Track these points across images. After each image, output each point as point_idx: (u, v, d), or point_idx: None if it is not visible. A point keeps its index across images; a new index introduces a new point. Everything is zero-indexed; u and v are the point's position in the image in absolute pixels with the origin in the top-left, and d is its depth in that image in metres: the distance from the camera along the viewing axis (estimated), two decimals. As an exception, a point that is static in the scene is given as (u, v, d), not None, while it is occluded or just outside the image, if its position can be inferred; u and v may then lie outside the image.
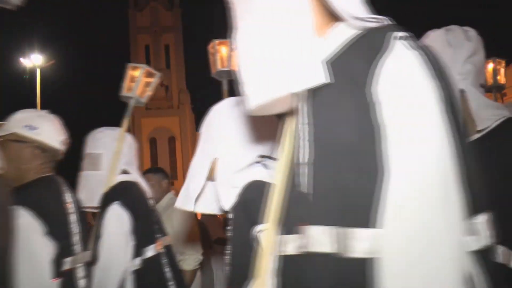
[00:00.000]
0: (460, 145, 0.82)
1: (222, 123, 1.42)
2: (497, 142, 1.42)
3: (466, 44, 1.50)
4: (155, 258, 2.27)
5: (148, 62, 44.39)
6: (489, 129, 1.44)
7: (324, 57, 0.91)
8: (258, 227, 1.10)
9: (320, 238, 0.85)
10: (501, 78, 3.63)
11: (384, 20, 0.93)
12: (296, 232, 0.90)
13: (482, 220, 0.85)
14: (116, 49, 60.58)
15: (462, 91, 1.46)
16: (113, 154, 2.40)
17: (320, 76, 0.87)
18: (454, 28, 1.54)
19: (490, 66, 3.66)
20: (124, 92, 2.98)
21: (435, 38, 1.55)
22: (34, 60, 19.69)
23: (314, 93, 0.90)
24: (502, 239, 1.28)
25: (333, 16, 0.98)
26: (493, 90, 3.59)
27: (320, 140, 0.90)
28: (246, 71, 0.92)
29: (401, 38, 0.87)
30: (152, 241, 2.29)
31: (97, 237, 2.18)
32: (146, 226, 2.29)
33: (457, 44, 1.50)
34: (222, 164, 1.39)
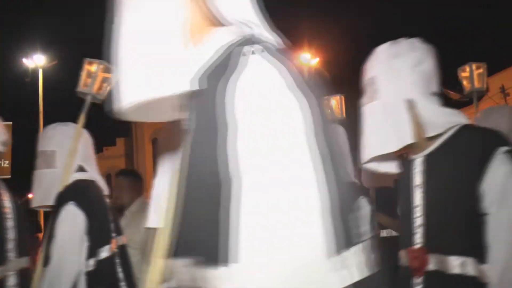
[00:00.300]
0: (329, 173, 0.75)
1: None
2: (451, 150, 1.43)
3: (411, 54, 1.52)
4: (109, 258, 2.21)
5: (150, 63, 44.38)
6: (445, 137, 1.47)
7: (198, 66, 0.87)
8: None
9: (182, 273, 0.82)
10: (481, 83, 3.54)
11: (257, 27, 0.91)
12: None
13: (354, 251, 0.76)
14: (119, 50, 60.47)
15: (410, 100, 1.47)
16: (67, 151, 2.32)
17: (189, 85, 0.84)
18: (400, 40, 1.58)
19: (466, 71, 3.56)
20: (80, 88, 2.87)
21: (381, 51, 1.58)
22: (36, 61, 19.70)
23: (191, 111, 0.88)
24: (471, 252, 1.30)
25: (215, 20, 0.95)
26: (473, 94, 3.51)
27: (187, 168, 0.86)
28: (123, 69, 0.88)
29: (254, 52, 0.83)
30: (107, 241, 2.23)
31: (50, 238, 2.10)
32: (101, 227, 2.23)
33: (402, 55, 1.53)
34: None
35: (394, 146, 1.47)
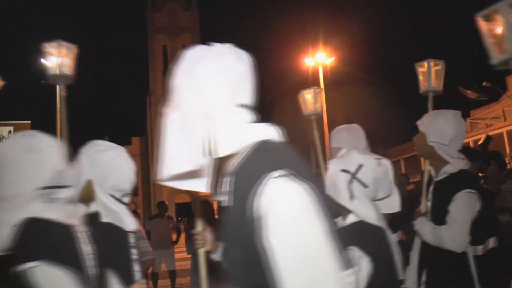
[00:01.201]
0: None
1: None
2: (240, 173, 1.24)
3: (216, 61, 1.33)
4: None
5: (165, 62, 44.71)
6: (240, 158, 1.25)
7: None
8: None
9: None
10: (438, 82, 3.35)
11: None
12: None
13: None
14: (134, 49, 61.01)
15: (208, 114, 1.30)
16: None
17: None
18: (212, 44, 1.39)
19: (424, 67, 3.36)
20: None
21: (187, 55, 1.38)
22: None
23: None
24: None
25: None
26: (429, 93, 3.29)
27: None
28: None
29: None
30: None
31: None
32: None
33: (206, 61, 1.34)
34: None
35: (187, 166, 1.30)
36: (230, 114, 1.30)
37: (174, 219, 12.69)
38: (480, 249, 2.59)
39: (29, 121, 21.47)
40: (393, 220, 2.86)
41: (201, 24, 45.73)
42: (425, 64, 3.35)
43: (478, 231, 2.49)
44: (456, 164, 2.59)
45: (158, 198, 33.03)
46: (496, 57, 1.79)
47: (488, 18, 1.83)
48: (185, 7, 45.28)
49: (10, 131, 19.53)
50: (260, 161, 1.19)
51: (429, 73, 3.32)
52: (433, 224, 2.56)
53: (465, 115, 12.73)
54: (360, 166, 1.88)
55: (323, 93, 3.67)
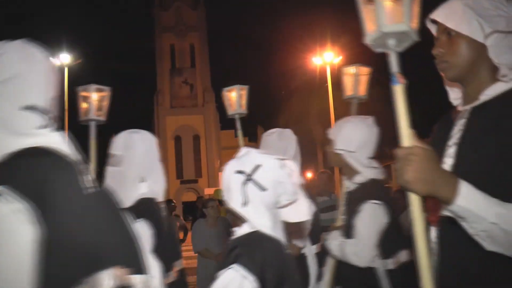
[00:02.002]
0: None
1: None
2: None
3: None
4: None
5: (173, 61, 44.84)
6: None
7: None
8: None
9: None
10: (364, 89, 3.19)
11: None
12: None
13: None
14: (142, 48, 61.21)
15: None
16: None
17: None
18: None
19: (349, 74, 3.20)
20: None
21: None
22: (62, 59, 20.09)
23: None
24: None
25: None
26: (353, 100, 3.16)
27: None
28: None
29: None
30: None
31: None
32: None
33: None
34: None
35: None
36: (9, 116, 1.18)
37: (181, 217, 12.73)
38: (390, 263, 2.36)
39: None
40: (313, 231, 2.74)
41: (208, 23, 45.82)
42: (353, 69, 3.21)
43: (387, 244, 2.33)
44: (365, 173, 2.44)
45: (165, 197, 33.03)
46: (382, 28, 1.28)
47: None
48: (193, 6, 45.34)
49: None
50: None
51: (356, 79, 3.19)
52: (344, 238, 2.41)
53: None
54: (257, 167, 1.63)
55: (245, 92, 3.46)
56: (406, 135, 1.24)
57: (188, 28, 44.31)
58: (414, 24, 1.28)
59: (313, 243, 2.80)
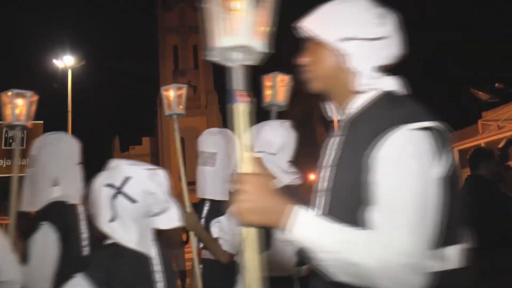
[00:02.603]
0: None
1: None
2: None
3: None
4: None
5: (176, 63, 44.89)
6: None
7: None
8: None
9: None
10: (284, 96, 3.14)
11: None
12: None
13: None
14: (145, 49, 61.35)
15: None
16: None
17: None
18: None
19: (270, 81, 3.14)
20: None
21: None
22: (66, 61, 20.14)
23: None
24: None
25: None
26: (273, 107, 3.11)
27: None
28: None
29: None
30: None
31: None
32: None
33: None
34: None
35: None
36: None
37: (184, 219, 12.72)
38: (304, 270, 2.30)
39: (42, 121, 21.60)
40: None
41: (211, 25, 45.72)
42: (272, 77, 3.16)
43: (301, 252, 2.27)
44: (282, 178, 2.34)
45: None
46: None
47: None
48: (196, 7, 45.35)
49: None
50: None
51: (275, 87, 3.13)
52: None
53: (477, 117, 12.58)
54: (127, 179, 1.62)
55: (184, 90, 3.24)
56: (245, 160, 1.14)
57: (191, 29, 44.33)
58: (259, 36, 1.19)
59: None
